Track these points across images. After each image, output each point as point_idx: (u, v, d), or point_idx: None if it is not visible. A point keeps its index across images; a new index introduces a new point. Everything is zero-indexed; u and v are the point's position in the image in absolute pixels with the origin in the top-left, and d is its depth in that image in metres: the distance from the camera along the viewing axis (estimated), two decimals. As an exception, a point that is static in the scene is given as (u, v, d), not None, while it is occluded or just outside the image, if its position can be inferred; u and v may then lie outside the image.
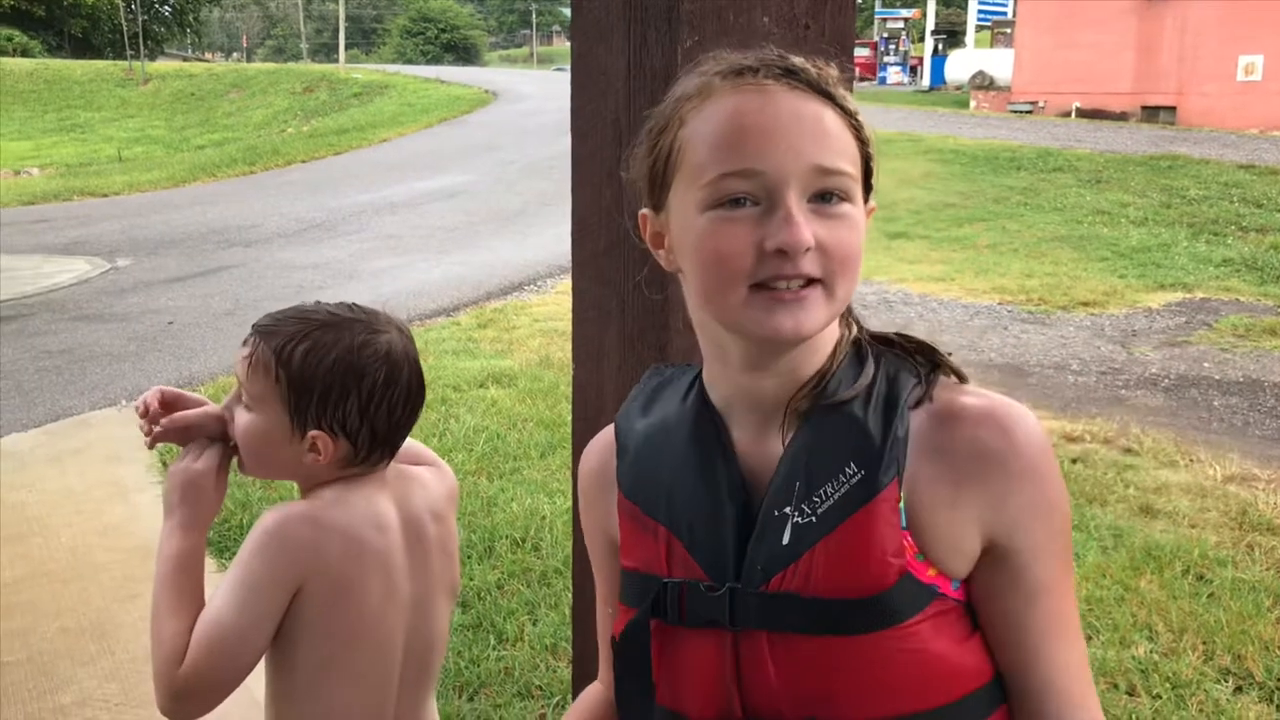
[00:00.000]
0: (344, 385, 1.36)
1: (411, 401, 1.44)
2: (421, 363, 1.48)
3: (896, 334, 1.01)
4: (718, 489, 0.96)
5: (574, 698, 1.25)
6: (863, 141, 0.93)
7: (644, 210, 0.99)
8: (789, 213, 0.87)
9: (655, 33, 1.36)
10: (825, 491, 0.91)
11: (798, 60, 0.93)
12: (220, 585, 1.35)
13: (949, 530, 0.91)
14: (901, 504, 0.90)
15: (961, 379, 0.98)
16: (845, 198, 0.90)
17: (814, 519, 0.90)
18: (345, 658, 1.40)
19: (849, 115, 0.92)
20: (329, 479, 1.43)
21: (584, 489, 1.12)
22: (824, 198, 0.89)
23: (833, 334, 0.97)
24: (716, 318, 0.93)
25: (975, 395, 0.95)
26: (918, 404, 0.94)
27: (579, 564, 1.69)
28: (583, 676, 1.46)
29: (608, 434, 1.10)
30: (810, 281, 0.89)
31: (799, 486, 0.92)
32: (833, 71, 0.94)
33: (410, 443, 1.55)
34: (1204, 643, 3.34)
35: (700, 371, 1.03)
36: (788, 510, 0.91)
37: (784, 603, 0.90)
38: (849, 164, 0.91)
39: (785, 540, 0.91)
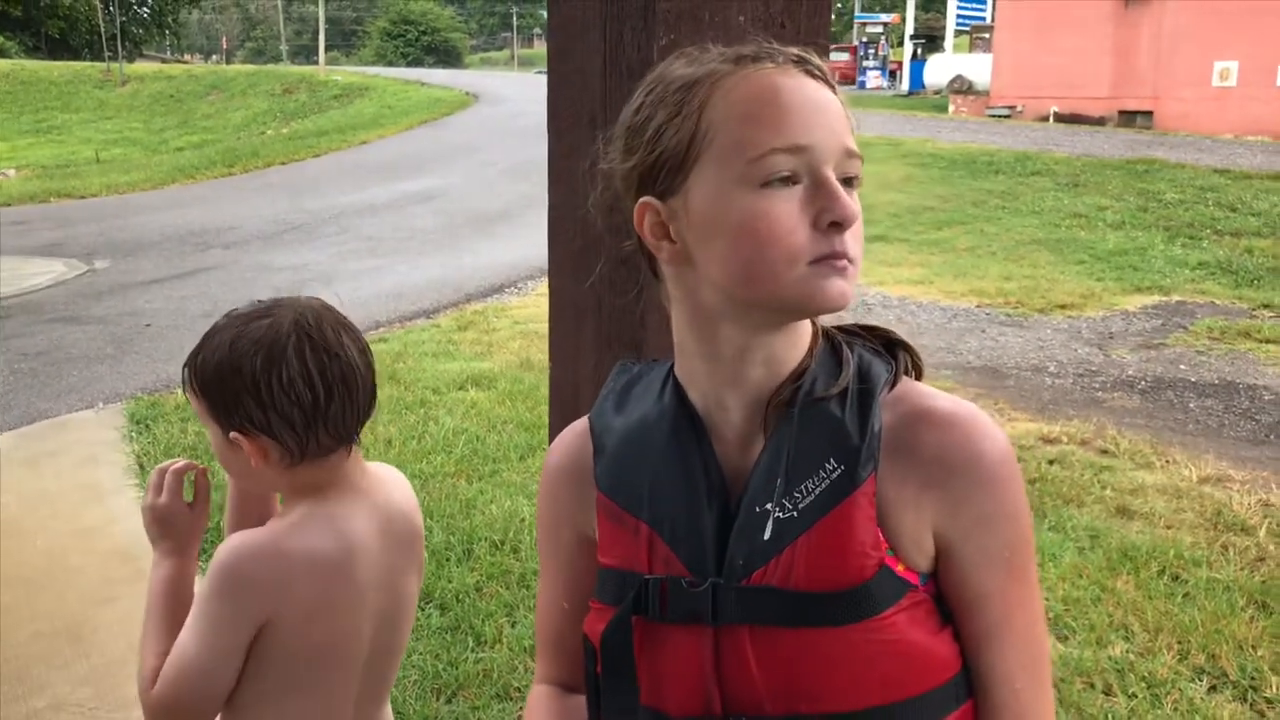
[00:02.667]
0: (231, 384, 1.34)
1: (323, 378, 1.35)
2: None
3: (856, 325, 1.02)
4: (698, 485, 0.96)
5: None
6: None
7: (646, 199, 0.96)
8: (835, 188, 0.89)
9: (631, 31, 1.36)
10: (806, 487, 0.91)
11: (797, 50, 0.94)
12: (190, 614, 1.36)
13: (912, 529, 0.92)
14: (876, 498, 0.91)
15: (916, 362, 1.00)
16: (858, 183, 0.93)
17: (795, 514, 0.91)
18: (310, 677, 1.39)
19: (844, 106, 0.94)
20: (299, 486, 1.40)
21: (550, 481, 1.10)
22: (847, 182, 0.91)
23: (808, 327, 0.98)
24: (764, 293, 0.91)
25: (944, 399, 0.96)
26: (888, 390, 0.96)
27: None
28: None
29: (578, 429, 1.09)
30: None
31: (780, 482, 0.92)
32: (826, 63, 0.96)
33: None
34: (1179, 642, 3.37)
35: (671, 368, 1.03)
36: (769, 506, 0.92)
37: (765, 596, 0.91)
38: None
39: (767, 535, 0.91)
